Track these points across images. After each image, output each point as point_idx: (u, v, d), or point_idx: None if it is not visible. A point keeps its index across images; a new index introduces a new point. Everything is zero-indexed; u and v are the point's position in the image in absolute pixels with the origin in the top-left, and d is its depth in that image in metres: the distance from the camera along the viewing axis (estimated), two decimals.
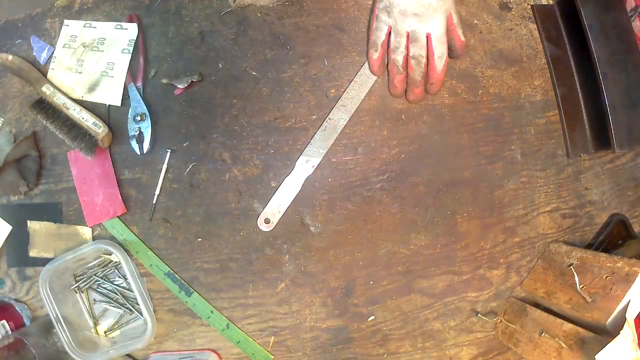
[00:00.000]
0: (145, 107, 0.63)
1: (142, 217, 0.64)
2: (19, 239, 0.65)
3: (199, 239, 0.63)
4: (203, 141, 0.63)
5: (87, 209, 0.64)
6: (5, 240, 0.65)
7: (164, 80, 0.63)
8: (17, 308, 0.65)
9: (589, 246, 0.66)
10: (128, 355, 0.64)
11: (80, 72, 0.64)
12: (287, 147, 0.63)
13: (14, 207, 0.66)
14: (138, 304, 0.62)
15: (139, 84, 0.63)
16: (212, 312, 0.63)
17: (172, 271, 0.63)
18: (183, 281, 0.63)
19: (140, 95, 0.63)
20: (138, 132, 0.63)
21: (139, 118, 0.63)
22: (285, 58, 0.64)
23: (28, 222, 0.65)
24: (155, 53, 0.65)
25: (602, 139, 0.63)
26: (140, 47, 0.64)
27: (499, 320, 0.64)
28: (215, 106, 0.64)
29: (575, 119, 0.65)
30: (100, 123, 0.61)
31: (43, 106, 0.61)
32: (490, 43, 0.66)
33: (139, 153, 0.63)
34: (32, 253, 0.65)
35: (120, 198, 0.63)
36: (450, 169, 0.64)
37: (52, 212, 0.65)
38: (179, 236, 0.64)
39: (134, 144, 0.63)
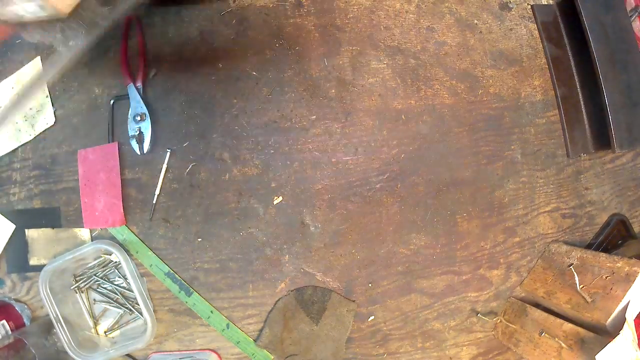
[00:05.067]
0: (145, 107, 0.63)
1: (142, 217, 0.64)
2: (19, 247, 0.65)
3: (199, 239, 0.63)
4: (203, 141, 0.63)
5: (87, 211, 0.64)
6: (5, 248, 0.65)
7: None
8: (17, 308, 0.65)
9: (589, 246, 0.66)
10: (128, 355, 0.64)
11: None
12: (287, 147, 0.63)
13: (13, 213, 0.66)
14: (138, 304, 0.62)
15: (139, 84, 0.63)
16: (212, 312, 0.63)
17: (172, 271, 0.63)
18: (183, 281, 0.63)
19: (140, 95, 0.63)
20: (138, 132, 0.63)
21: (139, 118, 0.63)
22: (285, 58, 0.64)
23: (26, 230, 0.65)
24: (155, 53, 0.65)
25: (602, 139, 0.63)
26: (140, 47, 0.63)
27: (499, 320, 0.64)
28: (215, 106, 0.64)
29: (575, 119, 0.65)
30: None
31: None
32: (490, 43, 0.66)
33: (139, 153, 0.63)
34: (33, 261, 0.65)
35: (122, 211, 0.63)
36: (450, 169, 0.64)
37: (50, 217, 0.65)
38: (179, 236, 0.64)
39: (134, 143, 0.63)
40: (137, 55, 0.64)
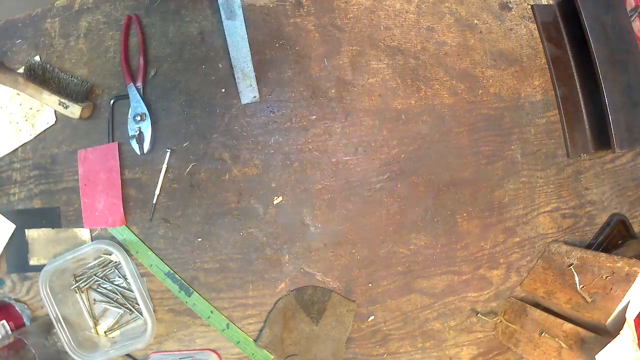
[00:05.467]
0: (145, 107, 0.63)
1: (142, 217, 0.64)
2: (19, 247, 0.65)
3: (199, 239, 0.63)
4: (203, 141, 0.63)
5: (87, 211, 0.64)
6: (5, 248, 0.65)
7: None
8: (17, 308, 0.65)
9: (589, 246, 0.66)
10: (128, 355, 0.64)
11: None
12: (287, 147, 0.63)
13: (13, 213, 0.66)
14: (138, 304, 0.61)
15: (139, 84, 0.63)
16: (212, 312, 0.63)
17: (172, 271, 0.63)
18: (183, 281, 0.63)
19: (140, 95, 0.63)
20: (138, 132, 0.63)
21: (139, 118, 0.63)
22: (285, 58, 0.64)
23: (26, 230, 0.65)
24: (155, 53, 0.65)
25: (602, 139, 0.63)
26: (140, 47, 0.63)
27: (499, 320, 0.64)
28: (215, 106, 0.64)
29: (575, 119, 0.65)
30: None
31: (34, 71, 0.62)
32: (490, 43, 0.66)
33: (139, 153, 0.63)
34: (33, 261, 0.65)
35: (122, 210, 0.63)
36: (450, 169, 0.64)
37: (50, 217, 0.65)
38: (179, 236, 0.64)
39: (134, 143, 0.63)
40: (137, 55, 0.64)
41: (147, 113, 0.63)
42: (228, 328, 0.63)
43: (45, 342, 0.61)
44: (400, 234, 0.64)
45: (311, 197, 0.63)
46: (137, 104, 0.63)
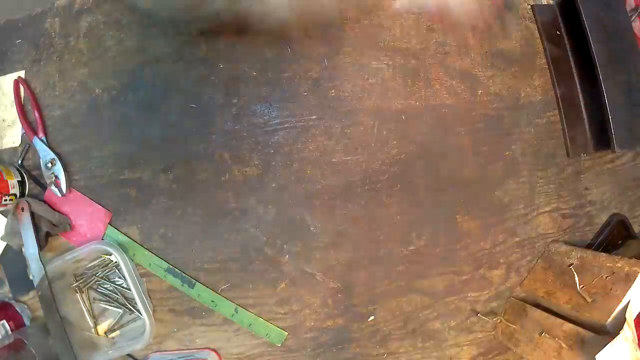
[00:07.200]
0: (52, 153, 0.63)
1: (142, 217, 0.64)
2: (17, 263, 0.65)
3: (199, 239, 0.63)
4: (203, 141, 0.63)
5: (79, 240, 0.64)
6: (4, 268, 0.65)
7: None
8: (17, 308, 0.65)
9: (589, 246, 0.66)
10: (128, 355, 0.64)
11: None
12: (287, 147, 0.63)
13: None
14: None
15: (41, 135, 0.64)
16: (218, 299, 0.63)
17: (171, 266, 0.63)
18: (184, 274, 0.63)
19: (45, 144, 0.64)
20: (54, 178, 0.63)
21: (50, 164, 0.63)
22: (285, 58, 0.64)
23: (23, 248, 0.65)
24: (155, 53, 0.64)
25: (602, 139, 0.63)
26: (33, 103, 0.64)
27: (499, 320, 0.64)
28: (215, 106, 0.64)
29: (575, 119, 0.66)
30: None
31: None
32: (490, 43, 0.66)
33: (60, 195, 0.63)
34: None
35: (101, 207, 0.63)
36: (450, 169, 0.64)
37: None
38: (179, 236, 0.64)
39: (54, 189, 0.63)
40: (33, 111, 0.64)
41: (56, 158, 0.64)
42: (237, 312, 0.63)
43: (45, 342, 0.60)
44: (400, 234, 0.64)
45: (311, 197, 0.63)
46: (45, 153, 0.64)
